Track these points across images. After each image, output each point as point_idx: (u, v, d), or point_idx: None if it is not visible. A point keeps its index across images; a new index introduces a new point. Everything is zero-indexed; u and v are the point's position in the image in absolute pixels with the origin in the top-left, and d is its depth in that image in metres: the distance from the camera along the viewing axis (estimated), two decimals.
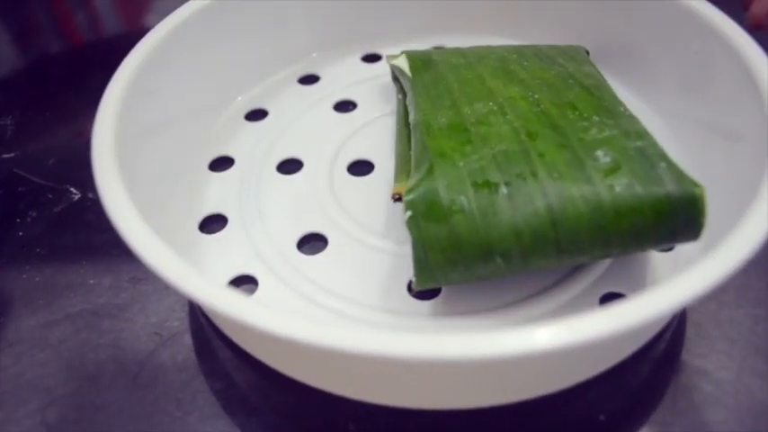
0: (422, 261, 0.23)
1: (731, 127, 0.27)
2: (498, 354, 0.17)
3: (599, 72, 0.29)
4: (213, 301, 0.19)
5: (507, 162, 0.24)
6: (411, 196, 0.23)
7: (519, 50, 0.31)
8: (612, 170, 0.23)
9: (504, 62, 0.29)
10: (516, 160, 0.24)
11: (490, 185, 0.23)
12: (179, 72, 0.31)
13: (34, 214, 0.32)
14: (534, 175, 0.23)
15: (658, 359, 0.25)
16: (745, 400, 0.24)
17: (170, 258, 0.20)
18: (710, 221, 0.23)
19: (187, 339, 0.27)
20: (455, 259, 0.23)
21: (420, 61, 0.31)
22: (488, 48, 0.32)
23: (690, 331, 0.26)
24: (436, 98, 0.28)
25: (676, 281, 0.19)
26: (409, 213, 0.23)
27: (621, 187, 0.22)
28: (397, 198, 0.26)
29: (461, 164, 0.24)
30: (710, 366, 0.25)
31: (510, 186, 0.23)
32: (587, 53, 0.32)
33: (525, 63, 0.29)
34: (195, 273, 0.20)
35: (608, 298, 0.26)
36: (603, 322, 0.17)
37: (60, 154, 0.35)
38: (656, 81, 0.32)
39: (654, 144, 0.24)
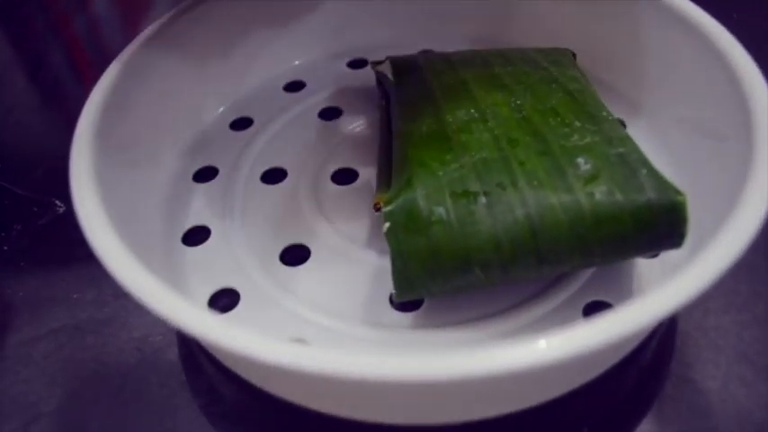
0: (401, 272, 0.23)
1: (715, 127, 0.27)
2: (482, 373, 0.17)
3: (583, 75, 0.29)
4: (187, 324, 0.19)
5: (487, 171, 0.23)
6: (389, 207, 0.23)
7: (504, 54, 0.31)
8: (593, 177, 0.23)
9: (488, 66, 0.29)
10: (496, 169, 0.23)
11: (469, 195, 0.23)
12: (160, 83, 0.30)
13: (19, 227, 0.32)
14: (514, 183, 0.23)
15: (644, 368, 0.25)
16: (732, 410, 0.24)
17: (144, 278, 0.20)
18: (696, 223, 0.23)
19: (170, 354, 0.27)
20: (434, 270, 0.23)
21: (403, 67, 0.31)
22: (474, 51, 0.32)
23: (675, 339, 0.26)
24: (418, 105, 0.28)
25: (664, 288, 0.18)
26: (387, 224, 0.23)
27: (601, 195, 0.22)
28: (379, 208, 0.26)
29: (441, 173, 0.24)
30: (696, 375, 0.25)
31: (489, 196, 0.23)
32: (573, 56, 0.31)
33: (510, 67, 0.29)
34: (169, 293, 0.19)
35: (592, 306, 0.26)
36: (593, 334, 0.17)
37: (46, 166, 0.35)
38: (639, 81, 0.32)
39: (636, 150, 0.24)
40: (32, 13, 0.48)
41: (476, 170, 0.24)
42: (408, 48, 0.37)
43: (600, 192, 0.22)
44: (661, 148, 0.30)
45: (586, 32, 0.32)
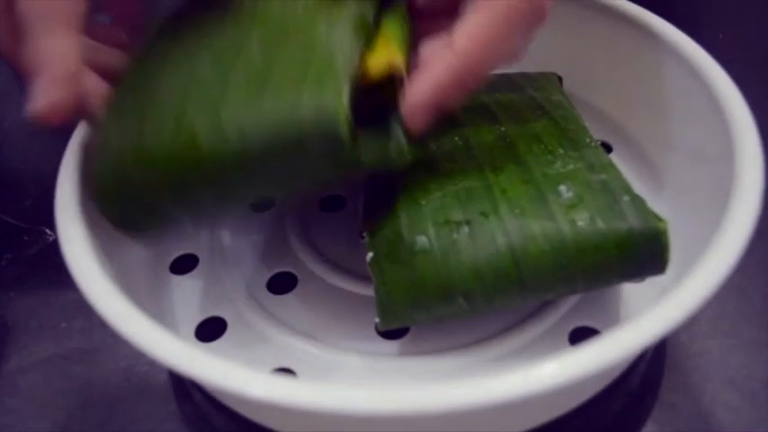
0: (384, 302, 0.23)
1: (699, 149, 0.27)
2: (473, 404, 0.17)
3: (567, 100, 0.29)
4: (166, 358, 0.19)
5: (470, 199, 0.23)
6: (373, 237, 0.23)
7: (490, 81, 0.31)
8: (575, 205, 0.23)
9: (474, 92, 0.29)
10: (479, 197, 0.23)
11: (452, 224, 0.23)
12: None
13: (9, 256, 0.33)
14: (496, 211, 0.23)
15: (631, 393, 0.25)
16: None
17: (120, 308, 0.20)
18: (681, 244, 0.23)
19: (157, 384, 0.27)
20: (417, 300, 0.23)
21: None
22: None
23: (664, 364, 0.26)
24: None
25: (651, 313, 0.18)
26: (371, 254, 0.23)
27: (583, 223, 0.22)
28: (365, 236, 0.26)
29: (424, 202, 0.24)
30: (682, 400, 0.25)
31: (472, 225, 0.23)
32: (560, 79, 0.32)
33: (496, 94, 0.29)
34: (147, 324, 0.19)
35: (578, 332, 0.26)
36: (582, 363, 0.17)
37: (37, 195, 0.35)
38: (623, 104, 0.32)
39: (618, 177, 0.24)
40: None
41: (459, 198, 0.24)
42: None
43: (582, 220, 0.22)
44: (645, 169, 0.30)
45: (572, 56, 0.33)
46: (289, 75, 0.21)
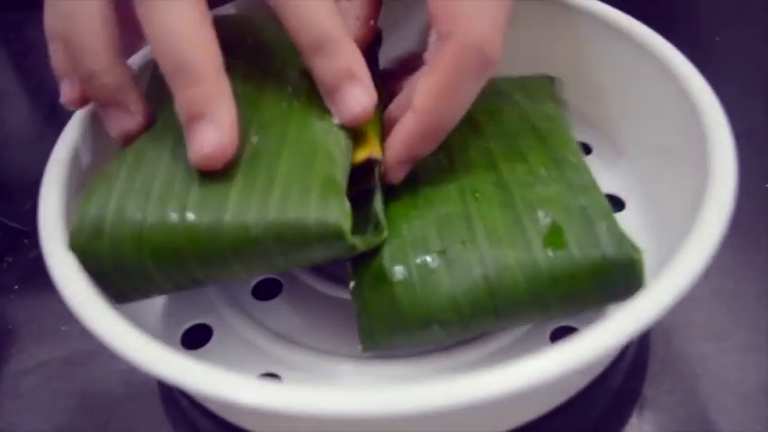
0: (365, 328, 0.23)
1: (676, 150, 0.27)
2: (464, 401, 0.17)
3: (557, 107, 0.29)
4: (149, 366, 0.19)
5: (449, 227, 0.24)
6: (356, 266, 0.24)
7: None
8: (552, 233, 0.23)
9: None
10: (458, 225, 0.24)
11: (431, 253, 0.23)
12: None
13: (10, 260, 0.33)
14: (473, 240, 0.23)
15: (615, 392, 0.25)
16: None
17: (101, 314, 0.20)
18: (660, 241, 0.23)
19: (155, 387, 0.27)
20: (396, 327, 0.23)
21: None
22: None
23: (655, 366, 0.26)
24: None
25: (630, 308, 0.19)
26: (353, 283, 0.24)
27: (559, 252, 0.22)
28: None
29: (405, 231, 0.24)
30: (676, 403, 0.25)
31: (449, 254, 0.23)
32: (553, 82, 0.31)
33: (484, 103, 0.29)
34: (126, 330, 0.20)
35: (560, 331, 0.26)
36: (565, 358, 0.18)
37: (37, 198, 0.35)
38: (603, 106, 0.32)
39: (598, 202, 0.24)
40: (35, 41, 0.49)
41: (438, 226, 0.24)
42: None
43: (557, 249, 0.22)
44: (624, 170, 0.30)
45: (551, 58, 0.33)
46: (293, 185, 0.22)
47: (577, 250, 0.22)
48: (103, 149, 0.28)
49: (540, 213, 0.23)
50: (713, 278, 0.28)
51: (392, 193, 0.26)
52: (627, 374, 0.26)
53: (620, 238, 0.22)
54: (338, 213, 0.21)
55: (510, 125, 0.27)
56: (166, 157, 0.23)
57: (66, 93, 0.25)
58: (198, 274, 0.22)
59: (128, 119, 0.24)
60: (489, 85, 0.30)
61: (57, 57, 0.25)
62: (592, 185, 0.24)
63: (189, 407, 0.26)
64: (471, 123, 0.28)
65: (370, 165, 0.24)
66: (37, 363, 0.28)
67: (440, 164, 0.26)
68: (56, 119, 0.41)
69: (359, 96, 0.23)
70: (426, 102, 0.23)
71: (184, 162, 0.22)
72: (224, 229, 0.21)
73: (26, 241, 0.33)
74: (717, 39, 0.41)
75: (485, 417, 0.22)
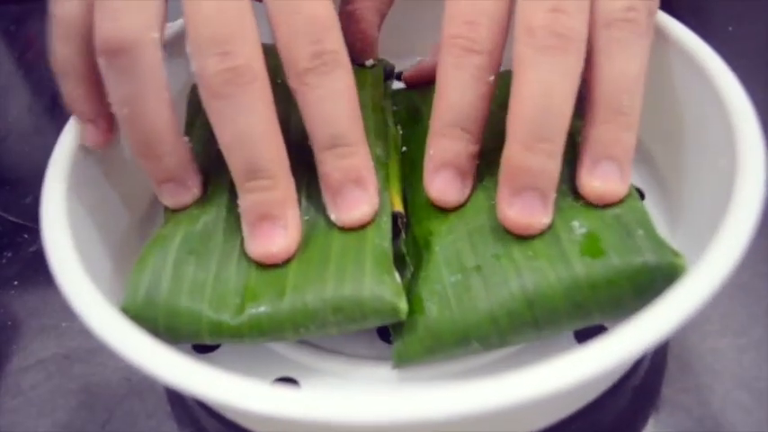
0: (401, 351, 0.23)
1: (702, 148, 0.26)
2: (484, 408, 0.16)
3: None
4: (156, 370, 0.18)
5: (482, 241, 0.23)
6: None
7: (505, 82, 0.30)
8: (588, 242, 0.22)
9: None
10: (491, 238, 0.23)
11: (465, 270, 0.22)
12: None
13: (9, 254, 0.32)
14: (509, 255, 0.22)
15: (636, 393, 0.24)
16: None
17: (109, 317, 0.20)
18: (687, 239, 0.22)
19: (157, 384, 0.26)
20: (433, 348, 0.22)
21: (405, 114, 0.30)
22: None
23: (671, 364, 0.25)
24: (418, 165, 0.26)
25: (660, 308, 0.18)
26: None
27: (597, 261, 0.21)
28: None
29: (437, 248, 0.23)
30: (692, 401, 0.24)
31: (484, 270, 0.22)
32: None
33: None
34: (134, 335, 0.19)
35: (585, 329, 0.25)
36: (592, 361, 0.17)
37: (37, 193, 0.35)
38: None
39: (634, 208, 0.22)
40: (35, 36, 0.48)
41: (471, 241, 0.23)
42: (401, 57, 0.36)
43: (595, 258, 0.21)
44: (643, 161, 0.29)
45: None
46: (347, 262, 0.22)
47: (617, 258, 0.21)
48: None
49: (575, 223, 0.22)
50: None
51: (421, 205, 0.25)
52: (647, 373, 0.25)
53: (659, 243, 0.21)
54: (392, 290, 0.22)
55: None
56: (221, 230, 0.24)
57: (93, 137, 0.25)
58: (251, 342, 0.22)
59: (184, 193, 0.24)
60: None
61: (79, 97, 0.24)
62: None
63: (194, 405, 0.25)
64: (500, 126, 0.27)
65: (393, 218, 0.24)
66: (37, 359, 0.28)
67: None
68: (57, 112, 0.40)
69: (360, 203, 0.23)
70: (438, 104, 0.24)
71: (242, 240, 0.23)
72: (283, 311, 0.22)
73: (26, 236, 0.33)
74: (730, 29, 0.41)
75: (509, 420, 0.22)
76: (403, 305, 0.22)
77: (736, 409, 0.24)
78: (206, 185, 0.25)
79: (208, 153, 0.26)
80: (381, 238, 0.23)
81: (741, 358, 0.25)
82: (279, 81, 0.24)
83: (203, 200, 0.25)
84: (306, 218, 0.24)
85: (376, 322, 0.22)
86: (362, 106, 0.25)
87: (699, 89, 0.25)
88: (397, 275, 0.22)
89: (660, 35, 0.27)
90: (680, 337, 0.26)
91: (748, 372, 0.25)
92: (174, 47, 0.26)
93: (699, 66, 0.25)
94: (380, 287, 0.22)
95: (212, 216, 0.24)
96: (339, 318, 0.22)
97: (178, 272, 0.22)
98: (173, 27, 0.29)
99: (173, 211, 0.25)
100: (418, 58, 0.33)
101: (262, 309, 0.22)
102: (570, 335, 0.25)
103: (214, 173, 0.25)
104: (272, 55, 0.23)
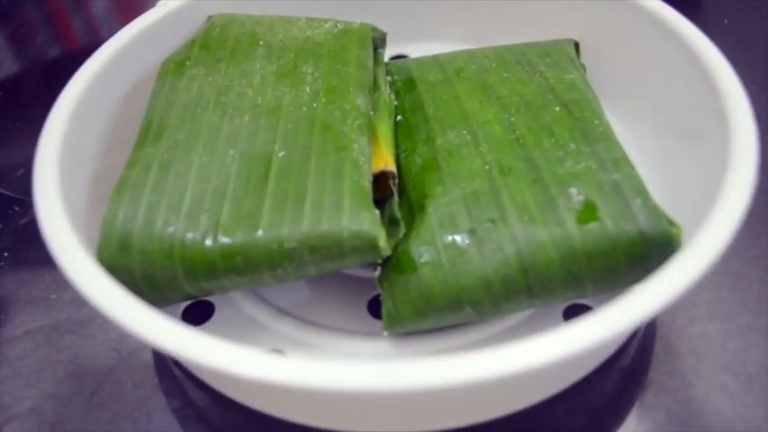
0: (391, 312, 0.23)
1: (691, 129, 0.26)
2: (476, 378, 0.16)
3: (582, 74, 0.28)
4: (155, 339, 0.18)
5: (477, 205, 0.23)
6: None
7: (500, 57, 0.29)
8: (585, 209, 0.22)
9: (482, 74, 0.28)
10: (486, 203, 0.23)
11: (460, 233, 0.22)
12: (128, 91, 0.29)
13: (0, 227, 0.32)
14: (504, 219, 0.22)
15: (623, 375, 0.25)
16: (712, 419, 0.23)
17: (104, 286, 0.20)
18: (674, 215, 0.22)
19: (146, 356, 0.26)
20: (425, 310, 0.22)
21: (401, 84, 0.30)
22: (468, 54, 0.30)
23: (657, 347, 0.25)
24: (413, 131, 0.27)
25: (645, 290, 0.18)
26: (378, 269, 0.23)
27: (593, 229, 0.21)
28: None
29: (431, 210, 0.23)
30: (677, 384, 0.24)
31: (479, 233, 0.22)
32: (577, 46, 0.30)
33: (505, 74, 0.28)
34: (129, 302, 0.19)
35: (573, 309, 0.25)
36: (578, 337, 0.17)
37: (28, 165, 0.35)
38: (616, 83, 0.31)
39: (631, 176, 0.23)
40: (30, 13, 0.48)
41: (466, 204, 0.23)
42: (398, 45, 0.36)
43: (591, 226, 0.21)
44: (637, 149, 0.29)
45: (563, 34, 0.32)
46: (324, 197, 0.22)
47: (613, 226, 0.21)
48: (101, 118, 0.27)
49: (573, 190, 0.22)
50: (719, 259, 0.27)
51: (416, 170, 0.25)
52: (635, 354, 0.25)
53: (656, 213, 0.21)
54: (371, 223, 0.21)
55: (535, 98, 0.26)
56: (195, 170, 0.23)
57: None
58: (228, 285, 0.22)
59: None
60: (511, 55, 0.29)
61: None
62: (623, 158, 0.23)
63: (182, 377, 0.25)
64: (493, 97, 0.27)
65: (383, 176, 0.24)
66: (25, 330, 0.28)
67: (463, 139, 0.25)
68: (49, 84, 0.40)
69: None
70: None
71: (214, 176, 0.23)
72: (258, 246, 0.21)
73: (17, 208, 0.33)
74: (725, 21, 0.41)
75: (492, 396, 0.22)
76: (383, 242, 0.21)
77: (721, 393, 0.24)
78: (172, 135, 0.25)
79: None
80: (360, 176, 0.23)
81: (727, 343, 0.25)
82: (261, 43, 0.24)
83: (177, 146, 0.24)
84: (281, 153, 0.23)
85: (355, 260, 0.22)
86: (345, 61, 0.25)
87: (690, 73, 0.25)
88: (376, 212, 0.22)
89: (655, 22, 0.27)
90: (667, 320, 0.26)
91: (734, 356, 0.25)
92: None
93: (693, 53, 0.25)
94: (359, 222, 0.21)
95: (186, 162, 0.23)
96: (316, 256, 0.21)
97: (151, 218, 0.22)
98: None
99: (141, 156, 0.24)
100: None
101: (236, 239, 0.21)
102: (560, 317, 0.25)
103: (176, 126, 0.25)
104: (262, 27, 0.24)
